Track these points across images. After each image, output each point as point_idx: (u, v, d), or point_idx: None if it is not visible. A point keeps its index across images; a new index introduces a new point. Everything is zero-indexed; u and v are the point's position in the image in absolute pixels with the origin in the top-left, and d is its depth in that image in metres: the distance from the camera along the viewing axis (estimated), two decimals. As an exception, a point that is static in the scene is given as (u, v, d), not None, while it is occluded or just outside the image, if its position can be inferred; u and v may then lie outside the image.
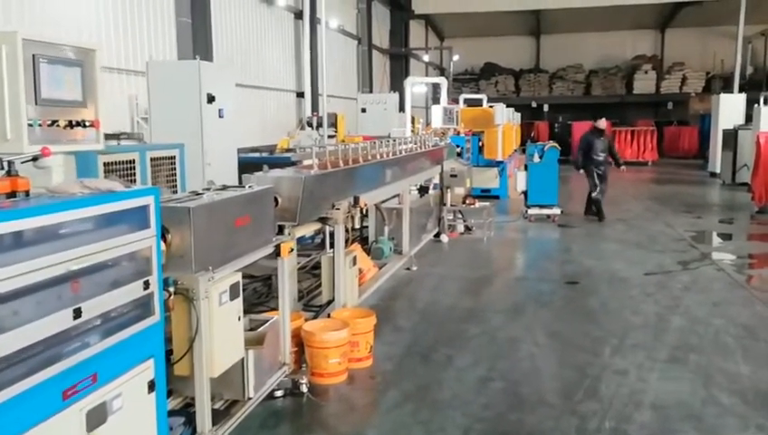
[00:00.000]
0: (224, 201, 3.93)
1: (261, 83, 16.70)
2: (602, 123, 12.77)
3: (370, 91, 23.10)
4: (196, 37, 13.27)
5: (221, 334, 3.68)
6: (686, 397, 4.75)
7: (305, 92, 18.48)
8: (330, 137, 13.64)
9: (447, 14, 30.66)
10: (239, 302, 3.91)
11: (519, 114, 25.30)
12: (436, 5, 29.22)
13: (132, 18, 11.43)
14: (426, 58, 31.33)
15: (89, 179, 2.99)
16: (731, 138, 18.87)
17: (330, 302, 6.14)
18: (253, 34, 16.51)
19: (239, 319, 3.91)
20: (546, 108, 34.46)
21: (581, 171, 12.74)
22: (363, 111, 17.97)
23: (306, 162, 6.21)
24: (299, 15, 18.80)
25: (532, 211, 12.49)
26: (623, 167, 12.89)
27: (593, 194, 12.58)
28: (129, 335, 3.04)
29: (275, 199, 4.98)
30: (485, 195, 14.68)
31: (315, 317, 5.89)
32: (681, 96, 33.43)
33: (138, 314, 3.12)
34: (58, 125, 3.10)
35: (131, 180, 6.22)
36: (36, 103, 3.00)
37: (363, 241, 9.15)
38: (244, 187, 4.40)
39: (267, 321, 4.66)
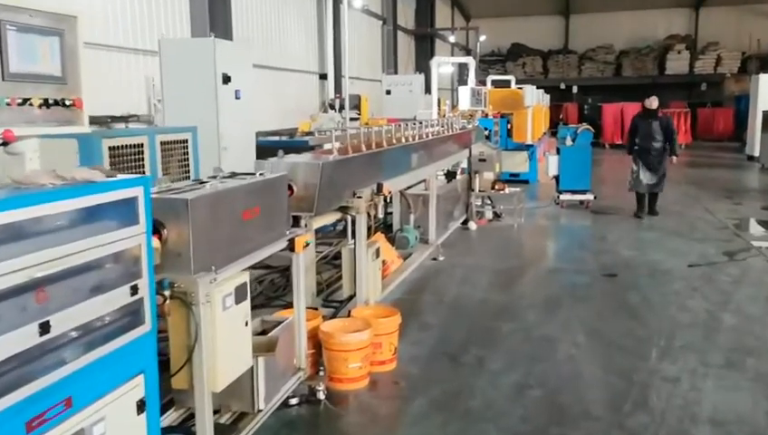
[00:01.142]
0: (229, 191, 3.49)
1: (282, 65, 16.22)
2: (653, 102, 10.85)
3: (395, 73, 22.52)
4: (215, 16, 12.83)
5: (225, 343, 3.24)
6: (748, 410, 4.23)
7: (328, 74, 17.98)
8: (353, 119, 13.15)
9: (474, -8, 29.91)
10: (246, 305, 3.47)
11: (548, 96, 24.55)
12: (462, -16, 28.48)
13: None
14: (452, 39, 30.59)
15: (65, 168, 2.55)
16: (772, 120, 18.07)
17: (351, 297, 5.71)
18: (274, 14, 16.02)
19: (246, 324, 3.47)
20: (575, 89, 33.55)
21: (631, 155, 11.10)
22: (388, 92, 17.46)
23: (326, 147, 5.77)
24: (322, -6, 18.27)
25: (564, 197, 11.92)
26: (675, 158, 10.94)
27: (630, 184, 10.98)
28: (114, 349, 2.61)
29: (290, 188, 4.55)
30: (514, 179, 14.13)
31: (335, 315, 5.46)
32: (716, 77, 32.35)
33: (124, 323, 2.69)
34: (31, 104, 2.68)
35: (139, 166, 5.86)
36: (3, 78, 2.57)
37: (387, 229, 8.69)
38: (254, 174, 3.95)
39: (281, 322, 4.22)
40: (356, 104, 14.65)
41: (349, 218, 7.73)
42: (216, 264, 3.23)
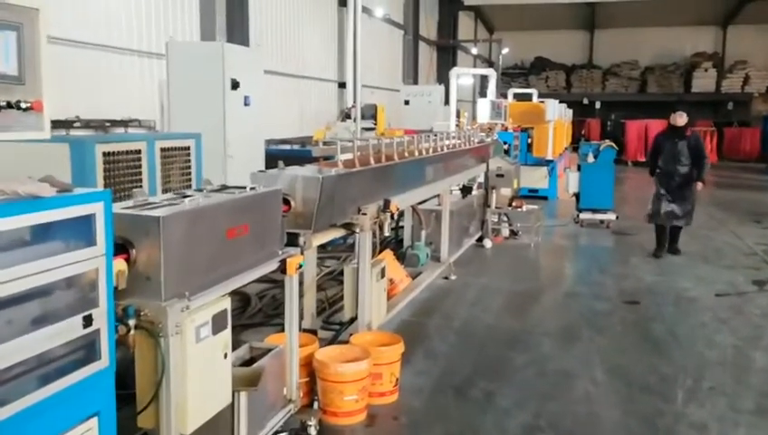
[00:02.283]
0: (211, 207, 3.14)
1: (301, 72, 15.98)
2: (680, 118, 9.23)
3: (415, 83, 22.19)
4: (232, 23, 12.60)
5: (197, 379, 2.89)
6: (786, 467, 3.82)
7: (347, 83, 17.69)
8: (368, 130, 12.82)
9: (498, 5, 29.53)
10: (227, 335, 3.11)
11: (571, 111, 24.09)
12: (486, -4, 28.12)
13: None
14: (474, 51, 30.30)
15: (8, 180, 2.21)
16: (803, 141, 17.51)
17: (352, 320, 5.34)
18: (293, 22, 15.77)
19: (226, 356, 3.12)
20: (598, 105, 33.07)
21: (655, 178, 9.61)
22: (406, 103, 17.13)
23: (340, 158, 5.43)
24: (343, 2, 18.00)
25: (584, 215, 11.49)
26: (701, 184, 9.30)
27: (649, 214, 9.46)
28: (61, 390, 2.27)
29: (288, 202, 4.21)
30: (533, 195, 13.76)
31: (334, 339, 5.09)
32: (743, 96, 31.74)
33: (75, 360, 2.35)
34: (-23, 107, 2.35)
35: (137, 174, 5.57)
36: (-54, 76, 2.25)
37: (398, 244, 8.32)
38: (245, 188, 3.61)
39: (271, 350, 3.87)
40: (372, 114, 14.32)
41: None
42: (190, 289, 2.88)
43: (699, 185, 9.27)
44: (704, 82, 32.32)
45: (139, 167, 5.55)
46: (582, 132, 28.69)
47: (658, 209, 9.30)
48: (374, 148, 5.68)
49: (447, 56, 27.78)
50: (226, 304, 3.12)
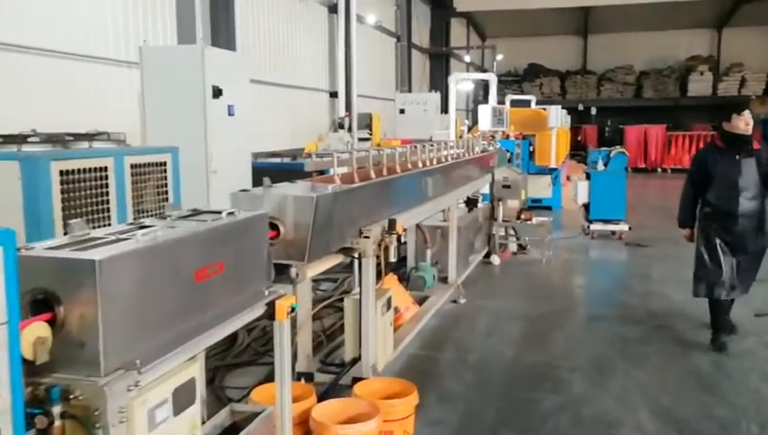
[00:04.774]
0: (171, 243, 2.38)
1: (291, 82, 15.26)
2: (745, 122, 5.47)
3: (409, 91, 21.52)
4: (218, 31, 11.89)
5: (153, 480, 2.14)
6: None
7: (339, 92, 16.99)
8: (364, 140, 12.09)
9: (490, 12, 28.94)
10: (194, 412, 2.35)
11: (569, 117, 23.49)
12: (478, 3, 27.49)
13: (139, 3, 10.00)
14: (467, 58, 29.65)
15: None
16: (812, 144, 16.88)
17: (354, 361, 4.59)
18: (282, 28, 15.07)
19: (194, 440, 2.36)
20: (594, 111, 32.50)
21: (686, 231, 5.96)
22: (402, 111, 16.45)
23: (334, 172, 4.71)
24: (333, 9, 17.33)
25: (594, 226, 10.79)
26: None
27: (697, 283, 5.82)
28: None
29: (276, 228, 3.47)
30: (536, 205, 13.04)
31: (334, 384, 4.34)
32: (740, 99, 31.16)
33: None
34: None
35: (102, 195, 4.85)
36: None
37: (399, 263, 7.55)
38: (220, 213, 2.86)
39: (257, 413, 3.11)
40: (367, 123, 13.61)
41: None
42: (142, 356, 2.12)
43: None
44: (700, 85, 31.86)
45: (106, 187, 4.87)
46: (579, 139, 28.13)
47: (715, 276, 5.64)
48: (374, 160, 4.94)
49: (440, 64, 27.17)
50: (194, 371, 2.36)
